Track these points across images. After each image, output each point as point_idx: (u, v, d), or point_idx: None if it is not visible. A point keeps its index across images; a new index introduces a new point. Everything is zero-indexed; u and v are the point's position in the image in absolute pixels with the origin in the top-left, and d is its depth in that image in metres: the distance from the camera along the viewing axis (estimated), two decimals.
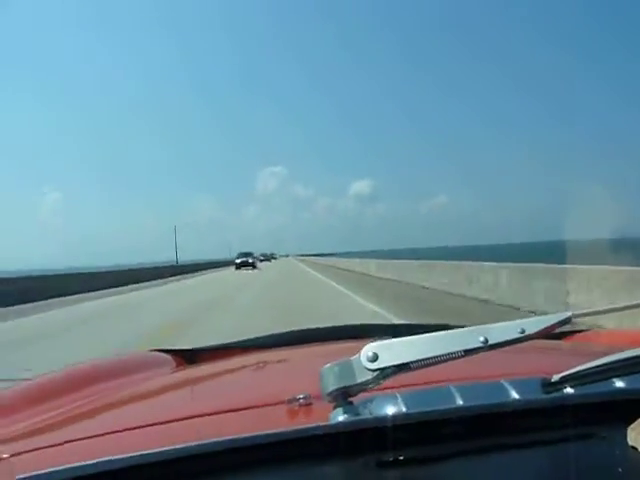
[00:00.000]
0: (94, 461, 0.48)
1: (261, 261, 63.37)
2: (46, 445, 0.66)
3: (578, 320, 0.59)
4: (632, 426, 0.51)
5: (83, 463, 0.48)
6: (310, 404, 0.64)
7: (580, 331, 1.32)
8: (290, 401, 0.66)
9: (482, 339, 0.54)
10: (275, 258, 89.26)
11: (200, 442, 0.50)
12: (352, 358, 0.54)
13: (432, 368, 0.57)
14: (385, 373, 0.53)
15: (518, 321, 0.56)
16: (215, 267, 51.85)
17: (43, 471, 0.48)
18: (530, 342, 1.09)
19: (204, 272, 41.41)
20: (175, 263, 54.01)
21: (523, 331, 0.55)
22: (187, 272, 38.47)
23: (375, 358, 0.53)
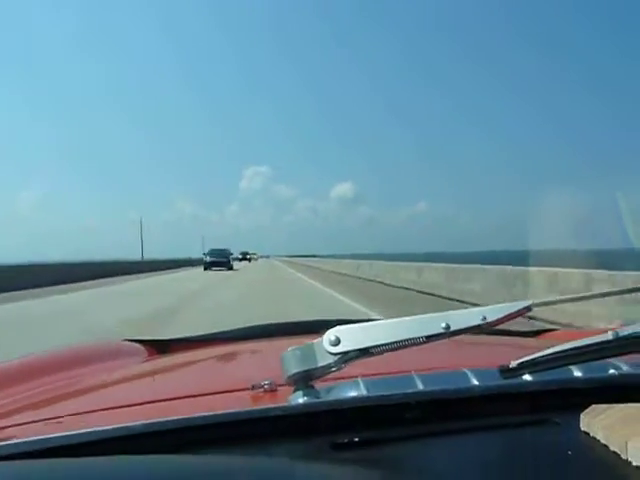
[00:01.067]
0: (51, 435, 0.48)
1: (240, 260, 55.46)
2: (9, 425, 0.66)
3: (538, 309, 0.60)
4: (585, 412, 0.52)
5: (39, 437, 0.48)
6: (274, 390, 0.65)
7: (553, 330, 1.35)
8: (254, 387, 0.66)
9: (444, 325, 0.55)
10: (254, 259, 72.90)
11: (156, 420, 0.50)
12: (314, 342, 0.55)
13: (395, 358, 0.57)
14: (347, 357, 0.54)
15: (480, 308, 0.57)
16: (186, 265, 44.13)
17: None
18: (499, 338, 1.12)
19: (165, 272, 31.58)
20: (141, 259, 45.58)
21: (484, 318, 0.56)
22: (143, 271, 29.33)
23: (337, 342, 0.54)
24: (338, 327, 0.55)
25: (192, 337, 1.39)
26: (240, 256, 62.03)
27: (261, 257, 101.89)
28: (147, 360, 1.20)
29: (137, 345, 1.29)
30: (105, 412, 0.68)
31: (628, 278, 6.13)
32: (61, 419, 0.66)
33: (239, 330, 1.39)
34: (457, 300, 10.19)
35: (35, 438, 0.48)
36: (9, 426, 0.66)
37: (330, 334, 0.54)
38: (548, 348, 0.57)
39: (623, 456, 0.46)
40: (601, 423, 0.50)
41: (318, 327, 1.33)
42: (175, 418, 0.51)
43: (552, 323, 5.44)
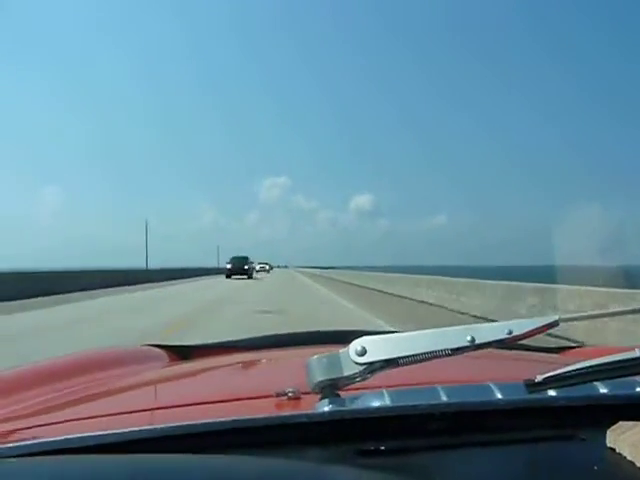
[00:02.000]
0: (65, 437, 0.50)
1: (257, 271, 49.74)
2: (30, 426, 0.68)
3: (566, 325, 0.60)
4: (612, 428, 0.52)
5: (65, 437, 0.50)
6: (299, 397, 0.65)
7: (579, 347, 1.33)
8: (279, 394, 0.67)
9: (469, 338, 0.55)
10: (264, 270, 63.34)
11: (181, 423, 0.51)
12: (340, 351, 0.55)
13: (420, 370, 0.58)
14: (373, 367, 0.54)
15: (506, 322, 0.57)
16: (203, 274, 42.56)
17: (22, 443, 0.50)
18: (524, 353, 1.11)
19: (178, 281, 29.07)
20: (145, 268, 39.88)
21: (510, 332, 0.56)
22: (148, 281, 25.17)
23: (363, 352, 0.54)
24: (365, 337, 0.55)
25: (214, 344, 1.40)
26: (260, 267, 59.33)
27: (277, 267, 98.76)
28: (169, 365, 1.21)
29: (159, 350, 1.30)
30: (129, 415, 0.69)
31: None
32: (83, 421, 0.68)
33: (261, 338, 1.40)
34: None
35: (57, 438, 0.50)
36: (34, 426, 0.68)
37: (357, 344, 0.54)
38: (573, 364, 0.57)
39: None
40: (628, 440, 0.50)
41: (341, 337, 1.33)
42: (202, 421, 0.52)
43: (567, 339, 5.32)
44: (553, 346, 1.30)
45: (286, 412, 0.62)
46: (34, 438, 0.52)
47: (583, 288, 7.19)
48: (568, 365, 0.57)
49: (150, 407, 0.72)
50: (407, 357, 0.54)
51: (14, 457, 0.46)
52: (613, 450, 0.50)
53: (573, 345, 1.36)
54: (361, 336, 0.57)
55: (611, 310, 0.62)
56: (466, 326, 0.57)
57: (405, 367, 0.55)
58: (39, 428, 0.66)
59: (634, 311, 0.65)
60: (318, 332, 1.42)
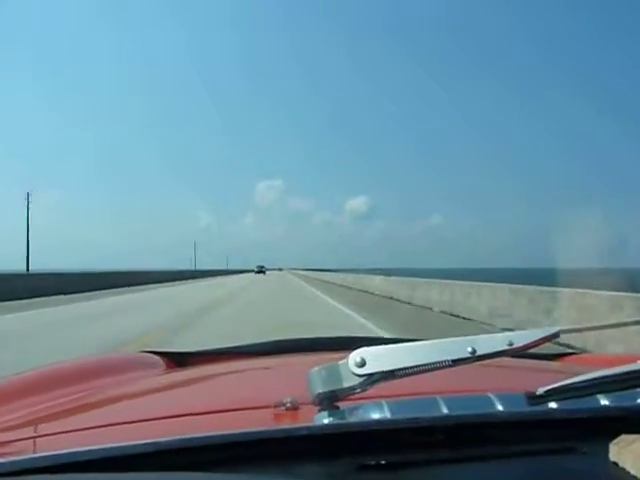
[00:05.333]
0: (68, 450, 0.48)
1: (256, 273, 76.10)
2: (27, 437, 0.67)
3: (566, 336, 0.60)
4: (614, 441, 0.51)
5: (53, 453, 0.48)
6: (297, 408, 0.65)
7: (575, 353, 1.33)
8: (277, 405, 0.66)
9: (470, 350, 0.55)
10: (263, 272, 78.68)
11: (177, 437, 0.50)
12: (340, 363, 0.55)
13: (419, 380, 0.57)
14: (372, 379, 0.54)
15: (507, 334, 0.57)
16: (222, 274, 63.09)
17: (20, 457, 0.49)
18: (522, 361, 1.11)
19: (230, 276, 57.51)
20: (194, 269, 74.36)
21: (511, 343, 0.56)
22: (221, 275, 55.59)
23: (363, 364, 0.54)
24: (364, 348, 0.55)
25: (211, 350, 1.39)
26: (257, 269, 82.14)
27: (270, 270, 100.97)
28: (165, 373, 1.20)
29: (155, 357, 1.29)
30: (122, 426, 0.68)
31: None
32: (77, 432, 0.66)
33: (259, 345, 1.39)
34: None
35: (51, 453, 0.48)
36: (28, 438, 0.66)
37: (356, 355, 0.54)
38: (574, 374, 0.56)
39: None
40: (631, 453, 0.49)
41: (341, 344, 1.33)
42: (196, 436, 0.51)
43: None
44: (551, 352, 1.30)
45: (285, 425, 0.62)
46: (30, 452, 0.51)
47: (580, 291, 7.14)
48: (568, 375, 0.56)
49: (143, 419, 0.71)
50: (407, 368, 0.54)
51: (6, 475, 0.45)
52: (616, 464, 0.50)
53: (570, 352, 1.36)
54: (362, 343, 0.56)
55: (613, 322, 0.61)
56: (466, 337, 0.56)
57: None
58: (32, 440, 0.65)
59: (636, 322, 0.65)
60: (318, 339, 1.42)
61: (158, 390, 1.02)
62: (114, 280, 24.45)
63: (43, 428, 0.75)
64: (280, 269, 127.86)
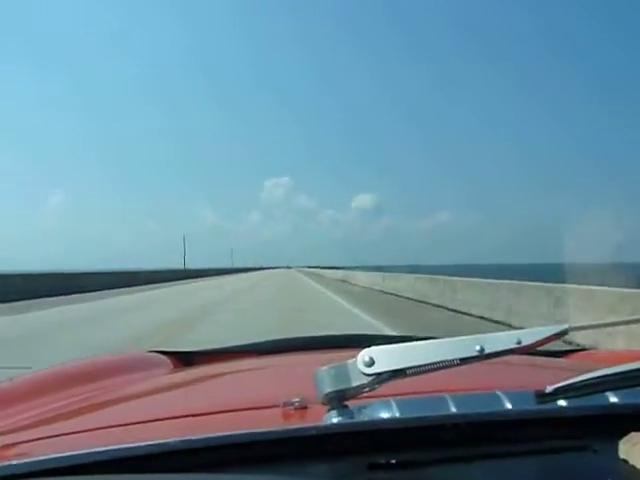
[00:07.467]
0: (76, 452, 0.49)
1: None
2: (36, 438, 0.67)
3: (575, 334, 0.60)
4: (624, 439, 0.51)
5: (64, 454, 0.49)
6: (305, 407, 0.65)
7: (582, 350, 1.32)
8: (285, 404, 0.66)
9: (478, 348, 0.54)
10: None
11: (188, 438, 0.51)
12: (349, 362, 0.55)
13: (427, 378, 0.57)
14: (381, 378, 0.54)
15: (515, 332, 0.57)
16: (232, 272, 63.84)
17: (27, 460, 0.49)
18: (530, 358, 1.10)
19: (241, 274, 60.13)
20: (183, 268, 65.34)
21: (519, 342, 0.56)
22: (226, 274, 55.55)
23: (371, 363, 0.54)
24: (373, 348, 0.55)
25: (218, 349, 1.39)
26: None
27: (277, 268, 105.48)
28: (172, 372, 1.20)
29: (162, 356, 1.30)
30: (131, 427, 0.68)
31: None
32: (85, 433, 0.66)
33: (267, 343, 1.39)
34: None
35: (57, 455, 0.48)
36: (32, 440, 0.66)
37: (364, 355, 0.54)
38: (584, 372, 0.56)
39: None
40: None
41: (348, 342, 1.33)
42: (207, 436, 0.51)
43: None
44: (559, 349, 1.29)
45: (292, 423, 0.62)
46: (38, 453, 0.51)
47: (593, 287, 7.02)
48: (577, 372, 0.56)
49: (152, 419, 0.71)
50: (415, 367, 0.54)
51: (17, 477, 0.46)
52: (626, 462, 0.50)
53: (577, 348, 1.35)
54: (370, 341, 0.56)
55: (623, 319, 0.61)
56: (475, 336, 0.56)
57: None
58: (41, 441, 0.65)
59: None
60: (326, 337, 1.42)
61: (166, 390, 1.02)
62: (132, 279, 26.33)
63: (52, 429, 0.75)
64: (289, 267, 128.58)
